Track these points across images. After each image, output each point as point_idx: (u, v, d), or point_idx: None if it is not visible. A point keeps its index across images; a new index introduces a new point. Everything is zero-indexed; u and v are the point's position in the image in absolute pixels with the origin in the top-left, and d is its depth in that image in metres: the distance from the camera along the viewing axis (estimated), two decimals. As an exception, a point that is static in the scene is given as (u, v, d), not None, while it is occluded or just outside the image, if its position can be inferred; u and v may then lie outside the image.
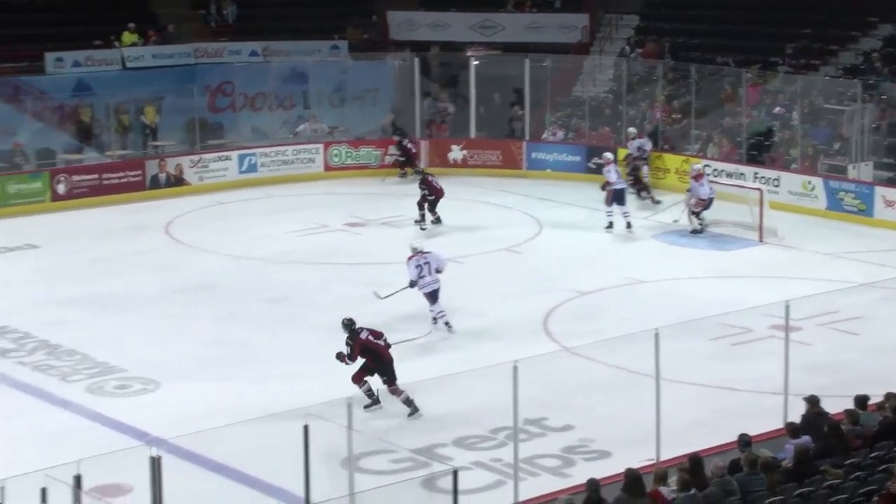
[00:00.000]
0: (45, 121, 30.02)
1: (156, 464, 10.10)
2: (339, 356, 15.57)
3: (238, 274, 22.36)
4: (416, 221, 25.45)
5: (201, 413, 15.21)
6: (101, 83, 30.66)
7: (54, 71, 30.62)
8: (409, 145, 30.27)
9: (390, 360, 15.54)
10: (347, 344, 15.55)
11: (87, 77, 30.84)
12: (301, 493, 10.69)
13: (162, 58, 32.21)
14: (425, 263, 18.51)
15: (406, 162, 29.71)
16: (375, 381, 15.52)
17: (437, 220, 25.53)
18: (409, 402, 15.33)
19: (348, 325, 15.71)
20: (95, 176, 28.62)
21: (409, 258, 18.68)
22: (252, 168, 30.32)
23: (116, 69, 31.48)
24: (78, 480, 9.66)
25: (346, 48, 33.98)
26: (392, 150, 30.50)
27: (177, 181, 29.44)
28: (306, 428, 10.69)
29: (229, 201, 28.34)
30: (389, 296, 18.63)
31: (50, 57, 30.61)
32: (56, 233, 25.54)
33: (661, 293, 20.70)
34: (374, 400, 15.52)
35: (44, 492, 9.38)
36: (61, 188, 28.04)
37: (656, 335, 13.22)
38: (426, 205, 25.47)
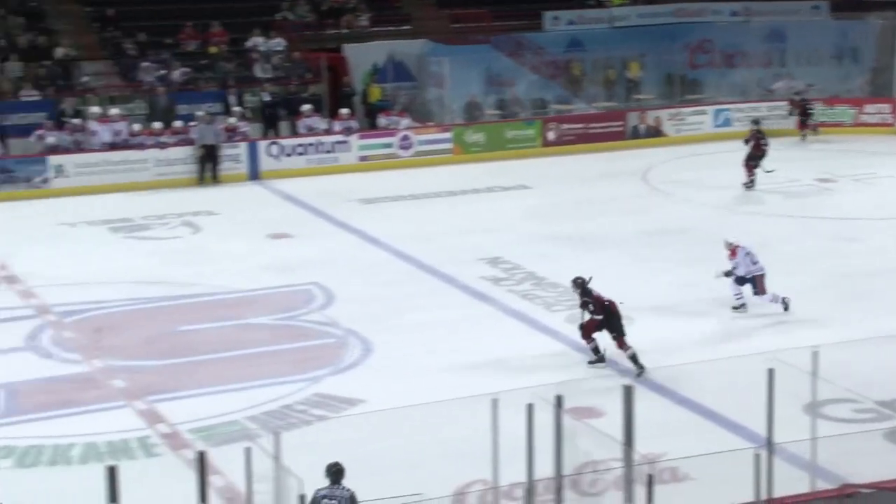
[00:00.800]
0: (540, 73, 30.97)
1: (629, 392, 10.16)
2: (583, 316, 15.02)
3: (708, 221, 22.07)
4: (746, 185, 24.05)
5: (670, 349, 15.21)
6: (591, 40, 31.30)
7: (551, 28, 31.53)
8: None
9: (620, 317, 14.83)
10: (585, 302, 14.89)
11: (579, 34, 31.55)
12: (763, 432, 10.41)
13: (646, 17, 32.34)
14: (750, 251, 16.99)
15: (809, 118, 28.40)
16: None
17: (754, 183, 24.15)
18: (634, 358, 14.63)
19: (581, 284, 14.98)
20: (581, 125, 29.23)
21: (733, 253, 16.87)
22: (726, 122, 29.85)
23: (605, 27, 31.96)
24: (559, 400, 9.90)
25: (826, 8, 32.55)
26: (791, 110, 29.18)
27: (655, 132, 29.54)
28: (771, 371, 10.38)
29: (703, 153, 28.03)
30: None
31: (548, 16, 31.54)
32: (545, 175, 26.31)
33: None
34: (599, 357, 14.92)
35: (530, 407, 9.70)
36: (551, 135, 28.86)
37: None
38: (752, 162, 24.07)
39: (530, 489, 9.72)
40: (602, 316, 14.79)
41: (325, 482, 9.57)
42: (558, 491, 9.77)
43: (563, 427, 9.85)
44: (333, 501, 9.39)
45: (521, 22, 31.52)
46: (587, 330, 14.93)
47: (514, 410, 9.85)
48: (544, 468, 9.83)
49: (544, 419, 9.84)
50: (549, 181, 25.83)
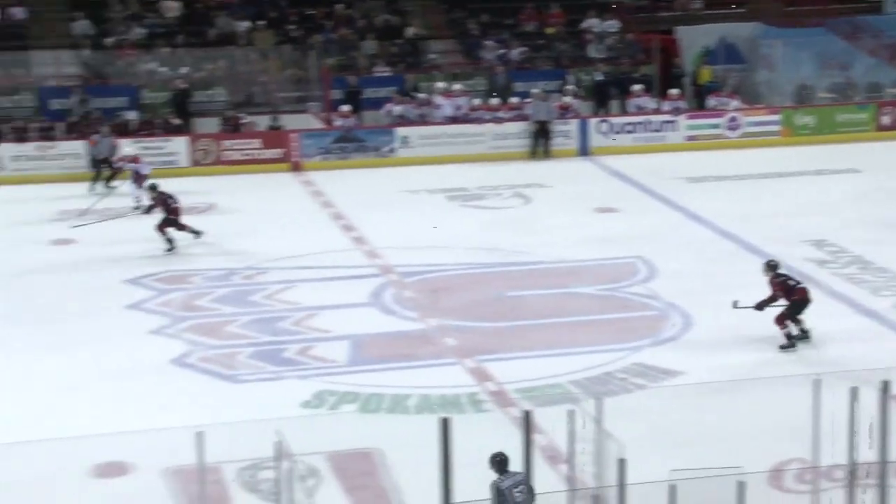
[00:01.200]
0: (878, 57, 29.42)
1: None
2: (760, 305, 14.42)
3: None
4: None
5: None
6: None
7: (892, 11, 29.96)
8: None
9: (807, 302, 14.30)
10: (782, 283, 14.38)
11: (921, 17, 29.80)
12: None
13: None
14: None
15: None
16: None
17: None
18: (789, 336, 14.19)
19: (773, 267, 14.54)
20: (919, 110, 27.65)
21: None
22: None
23: (954, 9, 30.09)
24: (885, 385, 9.43)
25: None
26: None
27: None
28: None
29: None
30: None
31: (888, -2, 30.04)
32: (877, 160, 25.02)
33: None
34: (791, 344, 14.19)
35: (854, 391, 9.28)
36: (886, 119, 27.40)
37: None
38: None
39: (852, 472, 9.33)
40: (801, 293, 14.39)
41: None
42: (882, 476, 9.32)
43: (888, 412, 9.39)
44: (520, 487, 8.83)
45: (858, 5, 30.10)
46: (779, 317, 14.37)
47: (836, 392, 9.47)
48: (866, 451, 9.40)
49: (868, 402, 9.40)
50: (882, 166, 24.51)
